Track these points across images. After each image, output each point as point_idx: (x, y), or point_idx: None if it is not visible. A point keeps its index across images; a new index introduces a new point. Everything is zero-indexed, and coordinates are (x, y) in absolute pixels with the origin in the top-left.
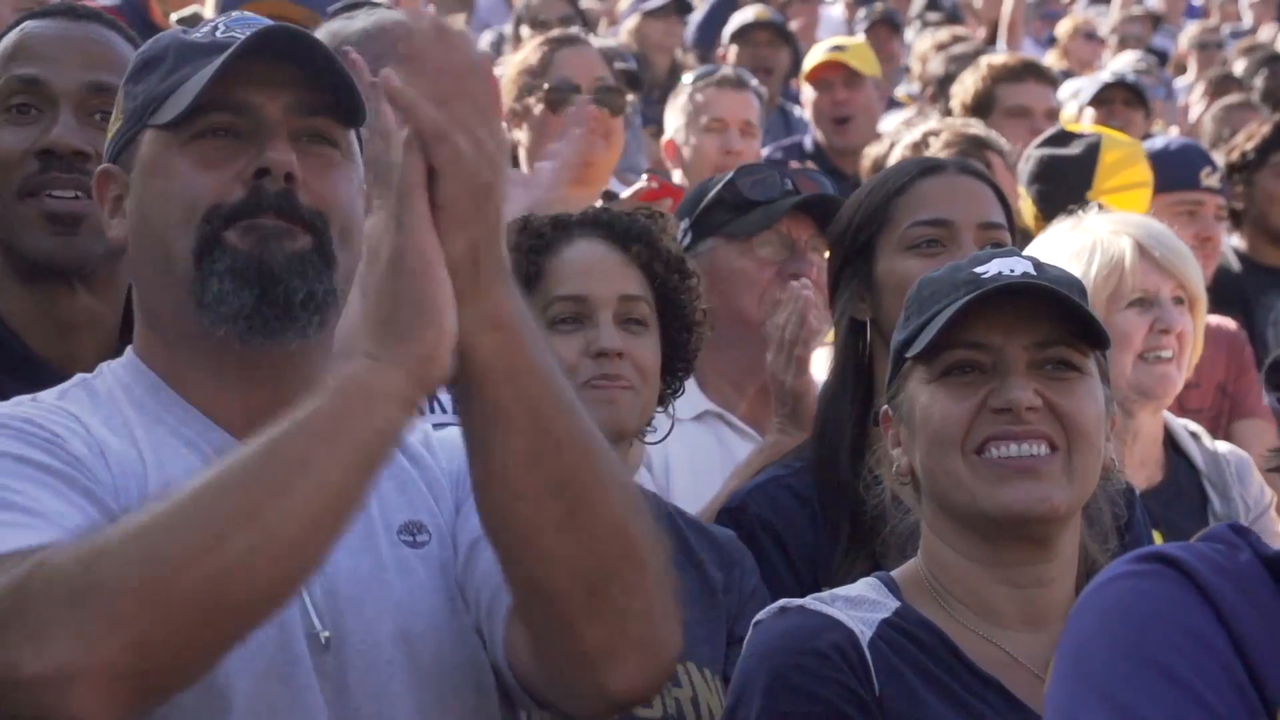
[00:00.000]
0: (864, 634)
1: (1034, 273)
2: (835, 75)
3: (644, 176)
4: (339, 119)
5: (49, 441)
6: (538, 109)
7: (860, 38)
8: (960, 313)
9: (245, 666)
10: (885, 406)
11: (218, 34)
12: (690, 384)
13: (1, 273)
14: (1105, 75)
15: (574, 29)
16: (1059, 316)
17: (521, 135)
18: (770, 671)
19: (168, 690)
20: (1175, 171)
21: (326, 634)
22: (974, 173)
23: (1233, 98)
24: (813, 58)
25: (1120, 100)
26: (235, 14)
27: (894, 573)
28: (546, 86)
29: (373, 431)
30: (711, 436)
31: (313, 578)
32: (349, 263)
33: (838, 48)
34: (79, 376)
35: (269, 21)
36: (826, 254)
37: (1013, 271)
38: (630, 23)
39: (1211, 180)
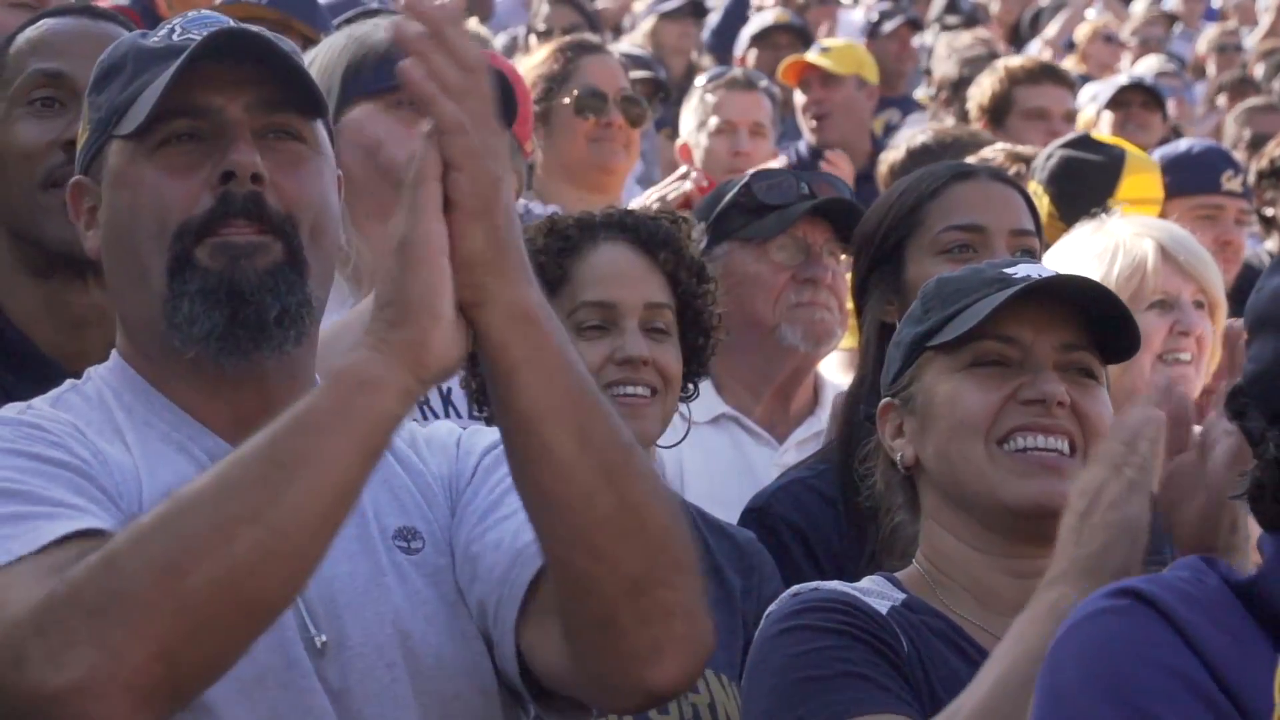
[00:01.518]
0: (882, 608)
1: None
2: (812, 75)
3: (693, 173)
4: (302, 112)
5: (57, 445)
6: (563, 114)
7: (850, 40)
8: (996, 306)
9: (234, 675)
10: (887, 399)
11: (174, 37)
12: (706, 387)
13: (11, 270)
14: (1122, 78)
15: (592, 36)
16: (1082, 324)
17: (538, 139)
18: (787, 627)
19: (194, 693)
20: (1196, 175)
21: (323, 639)
22: (1005, 179)
23: (1255, 100)
24: (785, 62)
25: (1138, 103)
26: (193, 13)
27: (896, 574)
28: (575, 93)
29: (369, 422)
30: (727, 440)
31: (308, 582)
32: (321, 264)
33: (823, 50)
34: (68, 383)
35: (226, 20)
36: (846, 257)
37: (1040, 275)
38: (646, 25)
39: (1233, 184)
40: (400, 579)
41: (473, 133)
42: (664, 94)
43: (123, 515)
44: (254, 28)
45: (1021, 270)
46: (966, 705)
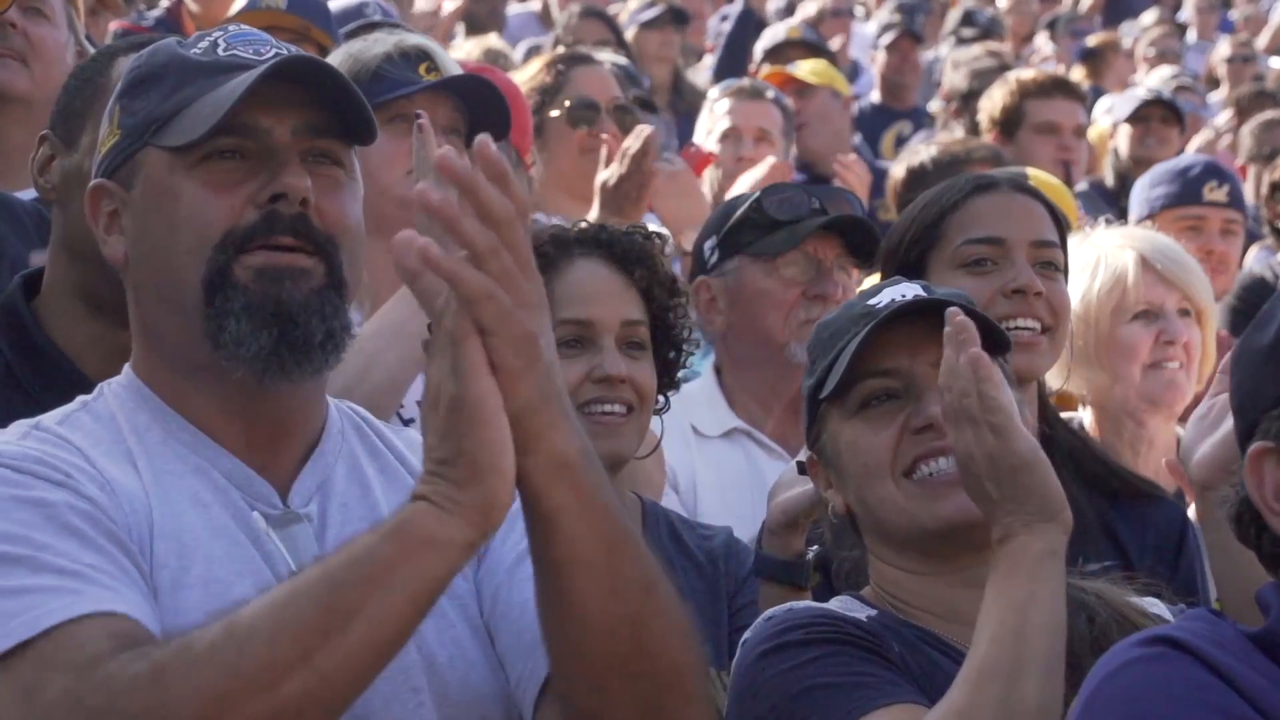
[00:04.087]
0: (860, 617)
1: (924, 294)
2: (788, 89)
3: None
4: (343, 139)
5: (61, 485)
6: (556, 125)
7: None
8: (863, 344)
9: None
10: (809, 453)
11: (219, 52)
12: (719, 401)
13: (69, 298)
14: (1142, 92)
15: (584, 48)
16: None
17: (535, 152)
18: (774, 647)
19: None
20: (1179, 187)
21: None
22: (1028, 191)
23: (1271, 114)
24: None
25: (1157, 118)
26: (233, 28)
27: (859, 593)
28: (568, 104)
29: (430, 579)
30: (740, 454)
31: None
32: (354, 289)
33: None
34: (79, 400)
35: (267, 36)
36: (857, 272)
37: (904, 296)
38: (627, 36)
39: (1216, 195)
40: None
41: (503, 294)
42: (651, 109)
43: (132, 549)
44: (309, 55)
45: (885, 296)
46: (973, 664)
